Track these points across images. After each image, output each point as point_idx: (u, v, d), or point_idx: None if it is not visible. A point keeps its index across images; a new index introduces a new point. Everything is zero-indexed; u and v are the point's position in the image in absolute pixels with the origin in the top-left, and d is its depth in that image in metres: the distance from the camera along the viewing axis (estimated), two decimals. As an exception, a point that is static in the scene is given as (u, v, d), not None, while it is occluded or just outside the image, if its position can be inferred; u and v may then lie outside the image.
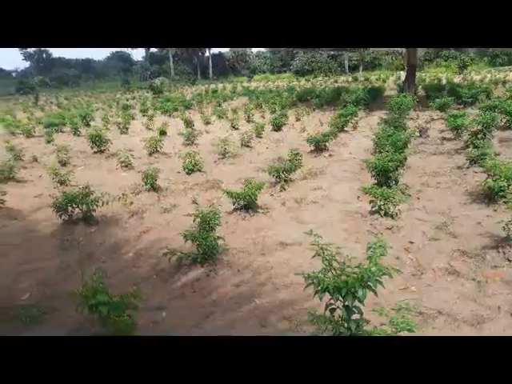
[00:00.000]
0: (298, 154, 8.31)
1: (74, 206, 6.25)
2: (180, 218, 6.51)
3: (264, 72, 66.59)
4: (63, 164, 10.50)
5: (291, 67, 63.53)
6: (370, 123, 14.32)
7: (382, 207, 5.62)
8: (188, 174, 9.06)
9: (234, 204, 6.36)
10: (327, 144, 10.63)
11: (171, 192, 7.96)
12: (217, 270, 4.68)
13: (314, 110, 19.01)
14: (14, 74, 76.25)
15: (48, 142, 13.97)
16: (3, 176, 8.92)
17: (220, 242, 4.96)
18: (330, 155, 10.21)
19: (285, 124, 14.61)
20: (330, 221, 5.86)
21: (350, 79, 44.05)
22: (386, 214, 5.62)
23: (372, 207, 5.77)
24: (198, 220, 4.96)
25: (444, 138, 11.32)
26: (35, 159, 11.37)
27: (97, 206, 6.40)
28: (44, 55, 76.81)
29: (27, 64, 79.54)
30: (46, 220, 6.72)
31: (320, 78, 49.15)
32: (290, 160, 8.12)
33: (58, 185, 8.56)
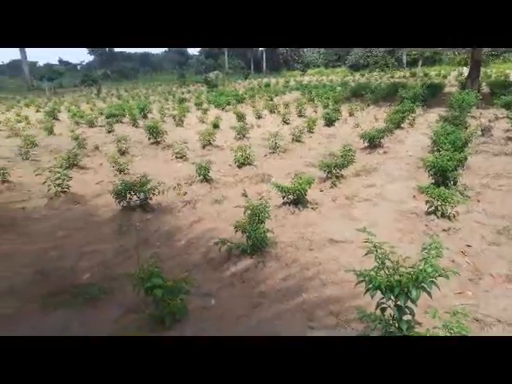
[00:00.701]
0: (350, 149, 8.16)
1: (132, 193, 6.58)
2: (230, 210, 6.65)
3: (318, 66, 65.66)
4: (122, 153, 11.05)
5: (346, 61, 62.06)
6: (428, 120, 13.71)
7: (439, 208, 5.39)
8: (239, 167, 9.20)
9: (283, 198, 6.39)
10: (382, 141, 10.35)
11: (222, 184, 8.13)
12: (265, 263, 4.74)
13: (368, 105, 18.52)
14: (79, 67, 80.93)
15: (109, 131, 14.74)
16: (69, 163, 9.54)
17: (269, 234, 5.01)
18: (384, 152, 9.92)
19: (338, 119, 14.36)
20: (382, 220, 5.72)
21: (407, 75, 42.28)
22: (442, 216, 5.39)
23: (428, 207, 5.55)
24: (249, 212, 5.04)
25: (509, 138, 10.60)
26: (97, 148, 12.06)
27: (153, 194, 6.70)
28: (107, 49, 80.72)
29: (91, 58, 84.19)
30: (106, 206, 7.14)
31: (376, 73, 47.62)
32: (342, 156, 8.00)
33: (118, 173, 9.03)
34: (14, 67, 79.46)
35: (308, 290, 4.13)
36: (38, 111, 24.96)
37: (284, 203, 6.39)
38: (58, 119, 19.21)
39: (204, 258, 5.09)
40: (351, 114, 15.83)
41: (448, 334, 2.43)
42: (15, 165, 10.16)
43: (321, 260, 4.72)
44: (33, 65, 64.31)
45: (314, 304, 3.86)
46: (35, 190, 8.27)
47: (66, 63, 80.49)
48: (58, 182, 7.62)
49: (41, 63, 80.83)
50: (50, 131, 15.06)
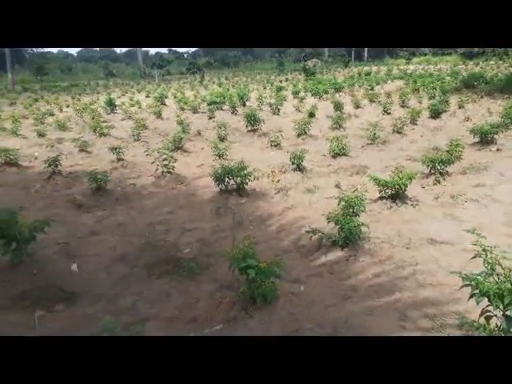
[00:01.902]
0: (458, 144, 7.52)
1: (230, 177, 6.89)
2: (322, 200, 6.61)
3: (425, 54, 60.97)
4: (221, 139, 11.58)
5: (457, 49, 56.60)
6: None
7: None
8: (333, 157, 9.06)
9: (380, 192, 6.16)
10: (496, 137, 9.33)
11: (315, 174, 8.09)
12: (357, 257, 4.65)
13: (481, 97, 16.78)
14: (185, 56, 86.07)
15: (210, 118, 15.53)
16: (174, 146, 10.30)
17: (363, 229, 4.89)
18: (497, 150, 8.95)
19: (445, 111, 13.29)
20: (490, 223, 5.22)
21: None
22: None
23: (549, 214, 4.92)
24: (343, 204, 4.97)
25: None
26: (199, 133, 12.80)
27: (249, 180, 6.94)
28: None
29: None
30: (206, 187, 7.59)
31: (492, 62, 42.73)
32: (448, 151, 7.41)
33: (217, 157, 9.51)
34: (129, 56, 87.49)
35: (402, 289, 3.97)
36: (147, 96, 27.19)
37: (381, 197, 6.15)
38: (165, 104, 20.74)
39: (294, 245, 5.16)
40: (461, 107, 14.50)
41: None
42: (128, 145, 11.25)
43: (418, 260, 4.48)
44: (145, 53, 70.01)
45: (408, 304, 3.69)
46: (144, 168, 9.12)
47: (175, 52, 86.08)
48: (164, 162, 8.29)
49: (152, 52, 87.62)
50: (159, 115, 16.35)
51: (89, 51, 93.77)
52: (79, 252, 5.23)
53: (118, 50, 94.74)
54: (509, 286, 2.34)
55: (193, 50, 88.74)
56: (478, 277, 2.49)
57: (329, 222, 4.90)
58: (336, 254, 4.73)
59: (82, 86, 42.81)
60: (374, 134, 9.98)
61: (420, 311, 3.56)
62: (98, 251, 5.25)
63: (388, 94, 18.09)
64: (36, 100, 28.14)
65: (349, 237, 4.69)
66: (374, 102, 16.84)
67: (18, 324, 3.81)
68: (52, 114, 18.75)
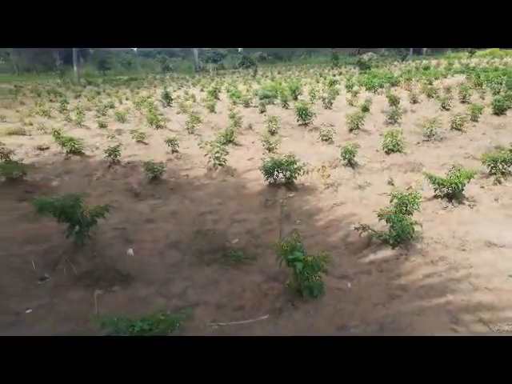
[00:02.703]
0: (525, 143, 7.04)
1: (280, 171, 6.93)
2: (373, 197, 6.48)
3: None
4: (272, 133, 11.62)
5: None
6: None
7: None
8: (387, 153, 8.81)
9: (435, 191, 5.93)
10: None
11: (367, 169, 7.93)
12: (408, 256, 4.53)
13: (555, 92, 15.46)
14: (239, 50, 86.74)
15: (261, 112, 15.61)
16: (226, 139, 10.50)
17: (416, 228, 4.74)
18: None
19: (510, 108, 12.42)
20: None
21: None
22: None
23: None
24: (396, 201, 4.84)
25: None
26: (250, 127, 12.93)
27: (298, 174, 6.95)
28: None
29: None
30: (255, 180, 7.70)
31: None
32: (511, 150, 6.95)
33: (267, 151, 9.58)
34: (185, 50, 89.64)
35: (455, 291, 3.82)
36: (202, 90, 27.81)
37: (436, 196, 5.92)
38: (218, 98, 21.12)
39: (342, 242, 5.12)
40: (530, 103, 13.46)
41: None
42: (182, 138, 11.62)
43: (473, 262, 4.29)
44: (201, 48, 71.39)
45: (461, 307, 3.56)
46: (197, 160, 9.40)
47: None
48: (216, 155, 8.50)
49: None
50: (212, 109, 16.70)
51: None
52: (135, 237, 5.53)
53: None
54: None
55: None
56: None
57: (380, 219, 4.80)
58: (386, 253, 4.64)
59: (140, 80, 44.62)
60: (431, 130, 9.56)
61: (473, 315, 3.42)
62: (153, 238, 5.52)
63: (447, 89, 17.19)
64: (98, 93, 29.76)
65: (400, 235, 4.58)
66: (432, 97, 16.07)
67: (79, 300, 4.13)
68: (112, 107, 19.75)
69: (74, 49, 45.35)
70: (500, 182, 6.47)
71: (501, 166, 6.64)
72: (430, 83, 20.86)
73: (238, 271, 4.56)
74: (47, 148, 11.22)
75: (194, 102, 20.76)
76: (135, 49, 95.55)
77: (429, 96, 16.29)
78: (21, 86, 40.13)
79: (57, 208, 4.60)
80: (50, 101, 25.47)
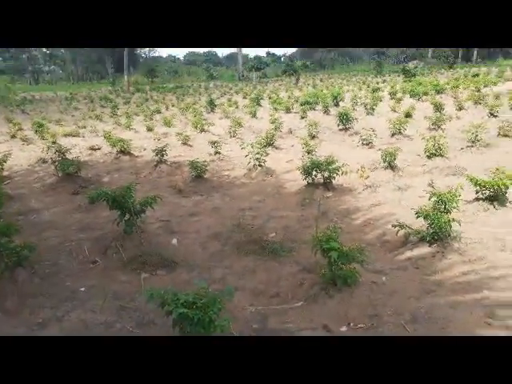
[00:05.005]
0: None
1: (318, 171, 7.07)
2: (413, 198, 6.46)
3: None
4: (312, 137, 11.76)
5: None
6: None
7: None
8: (428, 157, 8.69)
9: (476, 193, 5.84)
10: None
11: (407, 173, 7.88)
12: (445, 254, 4.53)
13: None
14: (282, 58, 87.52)
15: (302, 117, 15.77)
16: (266, 142, 10.76)
17: (454, 228, 4.72)
18: None
19: None
20: None
21: None
22: None
23: None
24: (434, 199, 4.85)
25: None
26: (290, 131, 13.14)
27: (336, 174, 7.05)
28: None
29: (294, 49, 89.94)
30: (293, 180, 7.87)
31: None
32: None
33: (306, 154, 9.72)
34: (230, 59, 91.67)
35: (492, 288, 3.80)
36: (244, 98, 28.40)
37: (477, 199, 5.83)
38: (260, 105, 21.52)
39: (378, 240, 5.18)
40: None
41: None
42: (225, 141, 12.00)
43: (513, 263, 4.22)
44: (245, 57, 72.78)
45: (497, 303, 3.54)
46: (238, 162, 9.70)
47: (273, 55, 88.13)
48: (256, 156, 8.76)
49: (252, 55, 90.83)
50: (254, 115, 17.07)
51: (193, 55, 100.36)
52: (179, 229, 5.86)
53: (220, 54, 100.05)
54: None
55: (289, 52, 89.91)
56: None
57: (418, 217, 4.82)
58: (423, 250, 4.65)
59: (185, 88, 46.15)
60: (476, 135, 9.32)
61: (510, 311, 3.40)
62: (195, 229, 5.83)
63: (497, 96, 16.56)
64: (146, 99, 31.15)
65: (438, 233, 4.58)
66: (480, 103, 15.55)
67: (127, 282, 4.47)
68: (159, 112, 20.67)
69: (125, 58, 47.72)
70: (547, 187, 6.24)
71: (549, 171, 6.40)
72: (478, 90, 20.15)
73: (274, 262, 4.74)
74: (99, 148, 11.98)
75: (237, 108, 21.27)
76: (181, 57, 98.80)
77: (476, 103, 15.78)
78: (75, 93, 42.71)
79: (110, 196, 5.01)
80: (102, 106, 26.98)
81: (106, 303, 3.91)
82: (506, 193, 5.58)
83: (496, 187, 5.43)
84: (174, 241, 5.47)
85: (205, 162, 8.57)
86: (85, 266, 4.87)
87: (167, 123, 15.83)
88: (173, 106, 25.38)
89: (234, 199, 7.12)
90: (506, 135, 10.01)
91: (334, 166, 7.01)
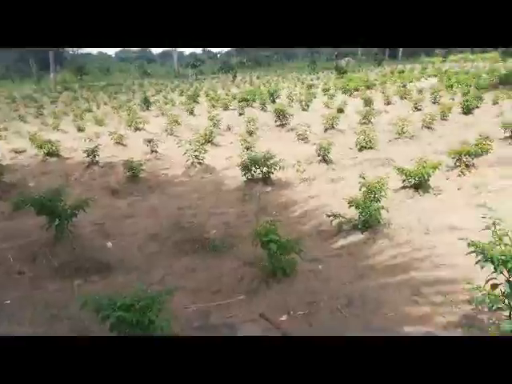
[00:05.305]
0: (487, 137, 7.46)
1: (257, 167, 7.15)
2: (346, 189, 6.74)
3: (462, 52, 58.93)
4: (250, 134, 11.85)
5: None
6: None
7: None
8: (360, 150, 9.15)
9: (403, 182, 6.24)
10: (529, 131, 9.12)
11: (341, 165, 8.23)
12: (376, 240, 4.80)
13: (519, 93, 16.24)
14: (218, 56, 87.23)
15: (240, 114, 15.86)
16: (204, 139, 10.67)
17: (383, 215, 5.02)
18: (531, 144, 8.75)
19: (477, 107, 13.03)
20: (514, 212, 5.21)
21: None
22: None
23: None
24: (364, 189, 5.11)
25: None
26: (228, 128, 13.15)
27: (274, 169, 7.18)
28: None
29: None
30: (233, 177, 7.89)
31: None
32: (476, 144, 7.36)
33: (245, 150, 9.78)
34: (164, 56, 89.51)
35: (418, 269, 4.10)
36: (181, 95, 27.91)
37: (403, 187, 6.24)
38: (197, 102, 21.27)
39: (315, 229, 5.37)
40: (495, 103, 14.14)
41: None
42: (161, 139, 11.71)
43: (436, 244, 4.57)
44: (180, 54, 71.44)
45: (422, 282, 3.82)
46: (176, 160, 9.52)
47: (208, 52, 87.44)
48: (195, 153, 8.66)
49: (187, 52, 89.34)
50: (191, 112, 16.86)
51: (125, 52, 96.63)
52: (114, 232, 5.63)
53: (153, 51, 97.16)
54: (512, 253, 2.46)
55: (226, 49, 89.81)
56: (486, 245, 2.63)
57: (350, 206, 5.06)
58: (355, 237, 4.90)
59: (118, 86, 44.32)
60: (402, 128, 9.96)
61: (433, 288, 3.69)
62: (132, 231, 5.64)
63: (420, 91, 17.83)
64: (75, 98, 29.47)
65: (368, 220, 4.84)
66: (406, 98, 16.65)
67: (59, 290, 4.22)
68: (90, 111, 19.69)
69: (50, 55, 44.79)
70: (464, 174, 6.85)
71: (464, 159, 7.02)
72: (404, 86, 21.54)
73: (215, 259, 4.73)
74: (23, 151, 11.17)
75: (173, 105, 20.86)
76: (113, 54, 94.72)
77: (402, 98, 16.87)
78: (-5, 92, 39.32)
79: (36, 201, 4.68)
80: (26, 106, 25.12)
81: (35, 314, 3.66)
82: (429, 180, 6.02)
83: (420, 176, 5.84)
84: (109, 244, 5.26)
85: (140, 161, 8.32)
86: (10, 277, 4.52)
87: (99, 122, 15.14)
88: (105, 104, 24.30)
89: (172, 198, 6.98)
90: (428, 127, 10.79)
91: (272, 162, 7.12)
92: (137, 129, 13.42)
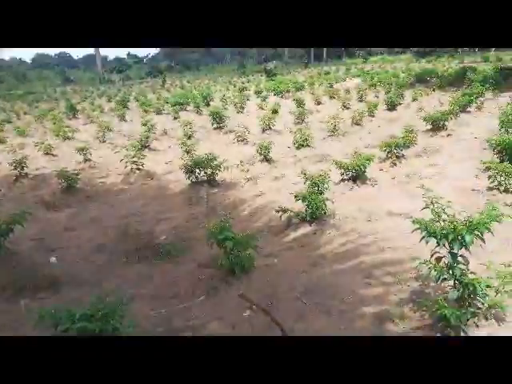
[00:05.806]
0: (412, 130, 8.12)
1: (201, 169, 7.13)
2: (289, 186, 6.98)
3: (381, 53, 63.24)
4: (188, 137, 11.72)
5: (411, 48, 59.06)
6: (498, 104, 12.98)
7: (502, 183, 5.33)
8: (297, 148, 9.47)
9: (341, 175, 6.59)
10: (446, 123, 10.06)
11: (282, 164, 8.47)
12: (324, 230, 5.04)
13: (433, 90, 17.77)
14: (145, 60, 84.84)
15: (175, 118, 15.60)
16: (141, 145, 10.38)
17: (328, 206, 5.27)
18: (448, 135, 9.65)
19: (400, 104, 14.08)
20: (443, 196, 5.74)
21: (478, 60, 39.56)
22: (505, 191, 5.32)
23: (491, 183, 5.49)
24: (309, 183, 5.33)
25: None
26: (165, 132, 12.90)
27: (219, 170, 7.20)
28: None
29: (157, 50, 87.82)
30: (176, 181, 7.79)
31: (443, 59, 45.03)
32: (403, 137, 7.98)
33: (185, 154, 9.67)
34: (87, 61, 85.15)
35: (366, 254, 4.37)
36: (109, 101, 26.77)
37: (342, 180, 6.59)
38: (127, 108, 20.56)
39: (266, 226, 5.49)
40: (415, 99, 15.37)
41: (501, 282, 2.59)
42: (94, 147, 11.18)
43: (379, 229, 4.91)
44: (104, 58, 68.37)
45: (372, 265, 4.09)
46: (113, 167, 9.16)
47: (134, 56, 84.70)
48: (133, 159, 8.40)
49: (111, 57, 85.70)
50: (122, 118, 16.26)
51: (44, 57, 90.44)
52: (56, 246, 5.31)
53: (75, 56, 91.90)
54: (452, 226, 2.74)
55: (152, 53, 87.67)
56: (428, 222, 2.90)
57: (297, 200, 5.25)
58: (305, 230, 5.10)
59: (38, 94, 41.40)
60: (334, 125, 10.48)
61: (383, 270, 3.97)
62: (75, 244, 5.35)
63: (347, 91, 18.84)
64: (-10, 109, 27.02)
65: (315, 212, 5.06)
66: (334, 98, 17.48)
67: (5, 312, 3.90)
68: (10, 122, 18.20)
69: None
70: (395, 164, 7.40)
71: (395, 151, 7.59)
72: (331, 86, 22.60)
73: (169, 264, 4.66)
74: None
75: (102, 112, 19.97)
76: (29, 60, 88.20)
77: (331, 97, 17.69)
78: None
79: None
80: None
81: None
82: (365, 172, 6.43)
83: (357, 168, 6.21)
84: (53, 259, 4.95)
85: (75, 170, 7.90)
86: None
87: (21, 133, 14.06)
88: (25, 114, 22.58)
89: (115, 207, 6.72)
90: (358, 124, 11.46)
91: (216, 163, 7.14)
92: (66, 138, 12.65)
